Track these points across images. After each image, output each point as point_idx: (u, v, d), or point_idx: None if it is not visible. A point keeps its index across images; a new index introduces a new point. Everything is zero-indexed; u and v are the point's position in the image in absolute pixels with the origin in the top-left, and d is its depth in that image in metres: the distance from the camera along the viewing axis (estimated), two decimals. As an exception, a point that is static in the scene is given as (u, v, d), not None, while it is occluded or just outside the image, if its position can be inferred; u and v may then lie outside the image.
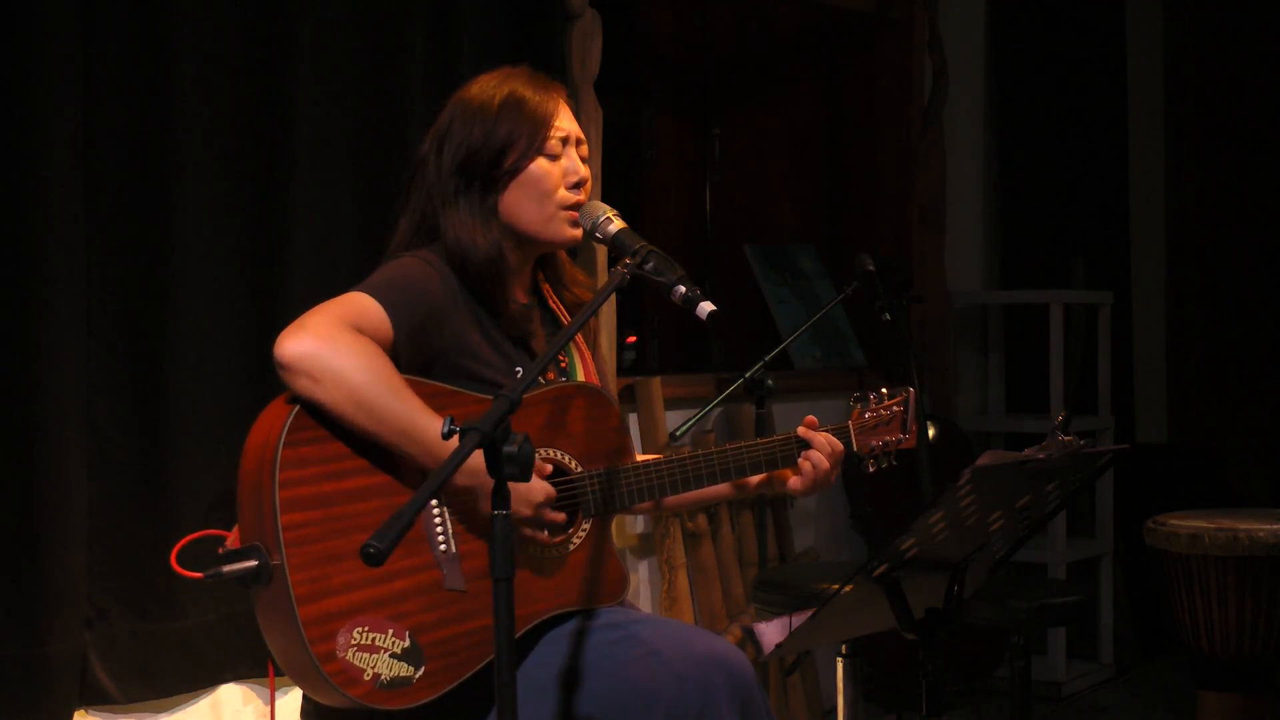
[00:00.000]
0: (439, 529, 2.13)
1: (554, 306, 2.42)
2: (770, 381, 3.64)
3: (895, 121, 5.13)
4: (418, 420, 2.07)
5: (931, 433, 4.74)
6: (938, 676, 2.26)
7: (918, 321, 4.99)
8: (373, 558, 1.68)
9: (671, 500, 2.41)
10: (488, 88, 2.30)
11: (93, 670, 2.85)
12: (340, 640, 2.01)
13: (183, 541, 2.25)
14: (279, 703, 3.10)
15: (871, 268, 3.70)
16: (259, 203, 3.08)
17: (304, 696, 2.20)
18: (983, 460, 2.00)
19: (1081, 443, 2.13)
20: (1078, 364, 5.34)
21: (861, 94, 5.23)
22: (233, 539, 2.12)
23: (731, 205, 5.04)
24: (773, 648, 2.19)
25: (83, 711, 2.86)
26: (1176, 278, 6.14)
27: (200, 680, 3.02)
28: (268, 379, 3.04)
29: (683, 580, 4.04)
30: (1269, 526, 3.69)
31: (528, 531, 2.17)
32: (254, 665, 3.06)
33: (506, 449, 1.80)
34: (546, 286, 2.43)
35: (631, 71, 4.80)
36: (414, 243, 2.30)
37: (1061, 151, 5.60)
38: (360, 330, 2.09)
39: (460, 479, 2.10)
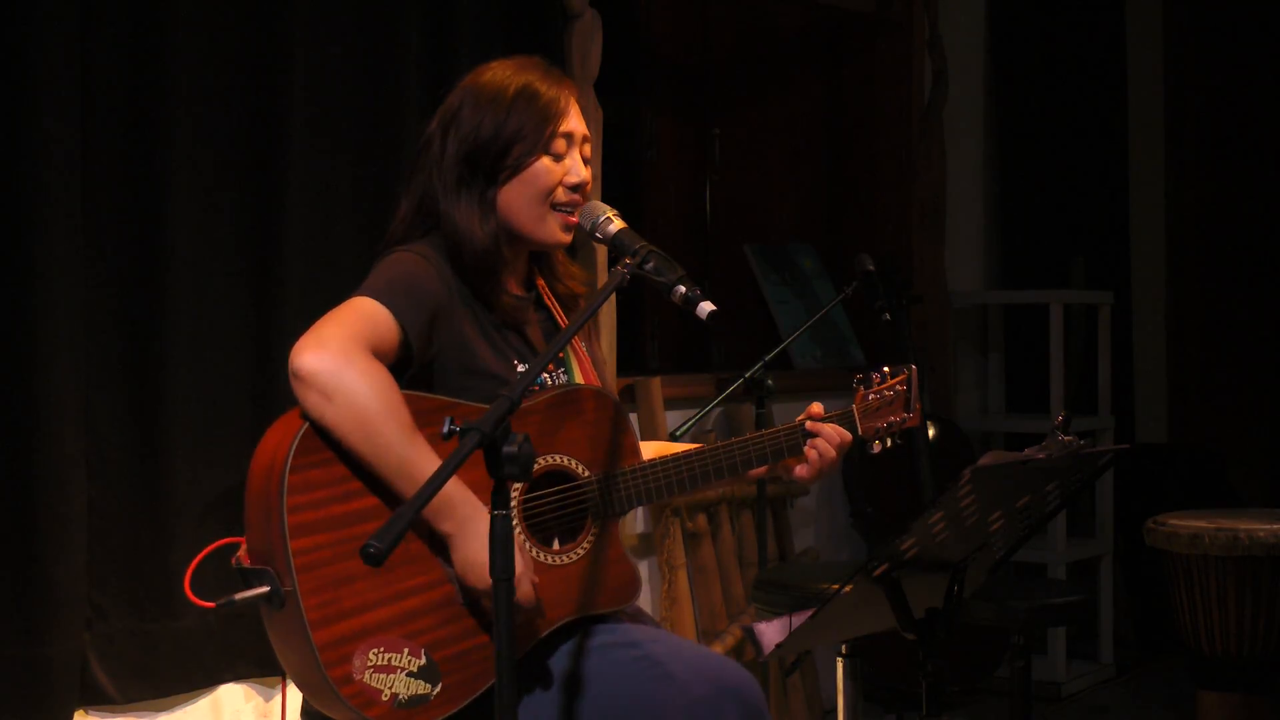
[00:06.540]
0: None
1: (550, 304, 2.41)
2: (770, 381, 3.64)
3: (895, 121, 5.12)
4: (418, 460, 2.05)
5: (931, 433, 4.74)
6: (938, 676, 2.26)
7: (918, 321, 4.98)
8: (373, 558, 1.68)
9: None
10: (501, 77, 2.29)
11: (92, 670, 2.84)
12: (356, 663, 2.00)
13: (195, 561, 2.21)
14: (279, 701, 3.10)
15: (871, 268, 3.71)
16: (257, 202, 3.08)
17: (302, 700, 2.20)
18: (983, 460, 2.00)
19: (1081, 443, 2.13)
20: (1078, 364, 5.34)
21: (861, 94, 5.22)
22: (244, 551, 2.11)
23: (731, 205, 5.04)
24: (773, 648, 2.19)
25: (83, 711, 2.86)
26: (1176, 278, 6.14)
27: (200, 680, 3.02)
28: (266, 379, 3.06)
29: (683, 580, 4.04)
30: (1269, 526, 3.69)
31: (487, 603, 2.10)
32: (254, 665, 3.06)
33: (506, 449, 1.79)
34: (541, 282, 2.42)
35: (631, 71, 4.80)
36: (414, 225, 2.29)
37: (1061, 151, 5.59)
38: (374, 344, 2.08)
39: (440, 523, 2.07)
